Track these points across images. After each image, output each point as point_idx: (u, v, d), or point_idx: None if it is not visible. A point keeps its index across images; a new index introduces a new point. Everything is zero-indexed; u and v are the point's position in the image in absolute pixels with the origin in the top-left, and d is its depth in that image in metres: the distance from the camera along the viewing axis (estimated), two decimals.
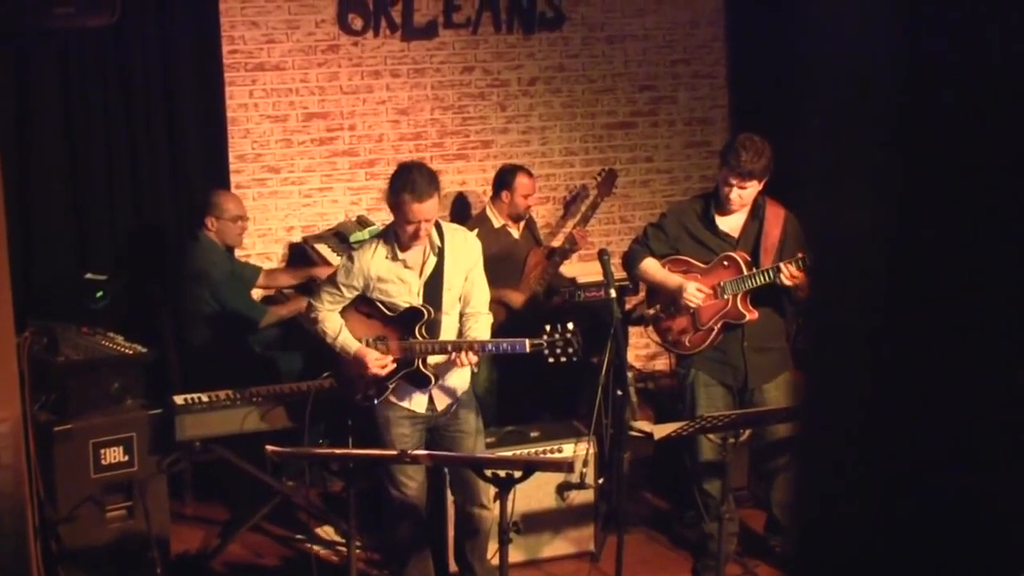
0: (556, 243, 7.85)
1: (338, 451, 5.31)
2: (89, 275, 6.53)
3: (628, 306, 7.29)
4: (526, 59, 8.36)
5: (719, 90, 8.89)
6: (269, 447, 4.91)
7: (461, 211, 8.21)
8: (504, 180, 7.34)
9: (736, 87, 8.85)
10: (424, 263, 5.37)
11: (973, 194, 1.31)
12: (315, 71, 7.87)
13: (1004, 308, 1.33)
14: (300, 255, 7.82)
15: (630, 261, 5.90)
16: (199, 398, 6.06)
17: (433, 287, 5.37)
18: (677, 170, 8.85)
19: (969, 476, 1.36)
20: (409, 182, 5.16)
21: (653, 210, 8.40)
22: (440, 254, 5.37)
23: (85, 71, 7.13)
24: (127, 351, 5.97)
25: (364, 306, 5.45)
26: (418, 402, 5.49)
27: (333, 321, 5.45)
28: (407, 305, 5.37)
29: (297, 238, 7.92)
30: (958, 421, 1.35)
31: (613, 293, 5.44)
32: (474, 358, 5.31)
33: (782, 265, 5.55)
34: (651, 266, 5.83)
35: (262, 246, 7.87)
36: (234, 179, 7.69)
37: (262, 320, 6.86)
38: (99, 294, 6.40)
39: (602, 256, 5.53)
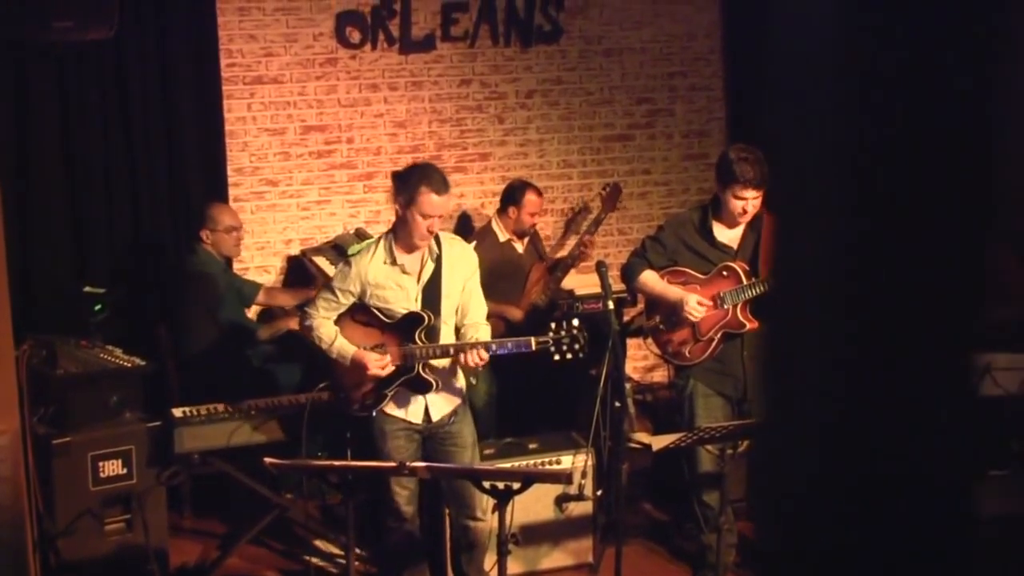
0: (560, 254, 7.84)
1: (337, 463, 5.29)
2: (88, 288, 6.52)
3: (626, 318, 7.30)
4: (524, 72, 8.37)
5: (716, 102, 8.91)
6: (268, 459, 4.89)
7: (462, 223, 8.21)
8: (512, 196, 7.35)
9: (733, 99, 8.86)
10: (422, 269, 5.35)
11: (932, 206, 1.33)
12: (313, 84, 7.88)
13: (964, 315, 1.35)
14: (298, 268, 7.82)
15: (628, 274, 5.88)
16: (197, 411, 6.05)
17: (431, 293, 5.36)
18: (675, 182, 8.86)
19: (932, 484, 1.37)
20: (427, 175, 5.21)
21: (651, 222, 8.42)
22: (438, 261, 5.36)
23: (84, 85, 7.15)
24: (126, 364, 5.96)
25: (360, 314, 5.42)
26: (414, 412, 5.46)
27: (328, 328, 5.41)
28: (405, 311, 5.36)
29: (295, 251, 7.93)
30: (922, 426, 1.36)
31: (611, 305, 5.43)
32: (485, 355, 5.26)
33: None
34: (650, 278, 5.81)
35: (260, 259, 7.87)
36: (232, 192, 7.70)
37: (259, 333, 6.86)
38: (97, 307, 6.39)
39: (600, 268, 5.52)
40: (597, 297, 6.75)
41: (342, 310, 5.42)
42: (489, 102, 8.32)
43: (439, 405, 5.49)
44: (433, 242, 5.34)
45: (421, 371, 5.37)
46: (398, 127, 8.12)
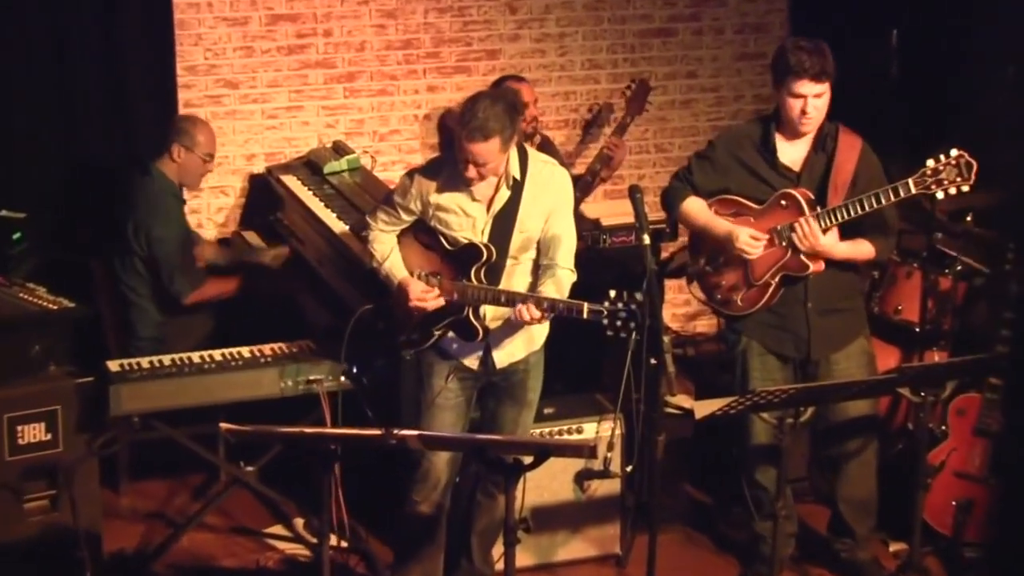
0: (578, 172, 7.72)
1: (308, 431, 5.24)
2: (3, 212, 6.47)
3: (665, 255, 7.21)
4: None
5: None
6: (223, 425, 4.84)
7: None
8: None
9: None
10: (495, 195, 5.33)
11: None
12: None
13: None
14: (263, 189, 7.75)
15: (670, 201, 5.86)
16: (138, 364, 6.02)
17: (502, 225, 5.34)
18: (725, 88, 8.76)
19: None
20: (467, 112, 5.12)
21: (696, 137, 8.38)
22: (517, 188, 5.32)
23: None
24: (50, 306, 5.94)
25: (424, 235, 5.48)
26: (471, 355, 5.49)
27: (384, 243, 5.52)
28: (467, 241, 5.35)
29: (260, 168, 7.88)
30: None
31: (647, 239, 5.32)
32: (537, 313, 5.17)
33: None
34: (694, 207, 5.77)
35: (216, 178, 7.76)
36: (182, 95, 7.64)
37: (188, 295, 6.72)
38: (16, 236, 6.39)
39: (633, 194, 5.41)
40: (629, 229, 6.69)
41: (403, 226, 5.50)
42: None
43: (505, 351, 5.49)
44: (516, 164, 5.29)
45: (469, 315, 5.37)
46: (386, 17, 8.00)
